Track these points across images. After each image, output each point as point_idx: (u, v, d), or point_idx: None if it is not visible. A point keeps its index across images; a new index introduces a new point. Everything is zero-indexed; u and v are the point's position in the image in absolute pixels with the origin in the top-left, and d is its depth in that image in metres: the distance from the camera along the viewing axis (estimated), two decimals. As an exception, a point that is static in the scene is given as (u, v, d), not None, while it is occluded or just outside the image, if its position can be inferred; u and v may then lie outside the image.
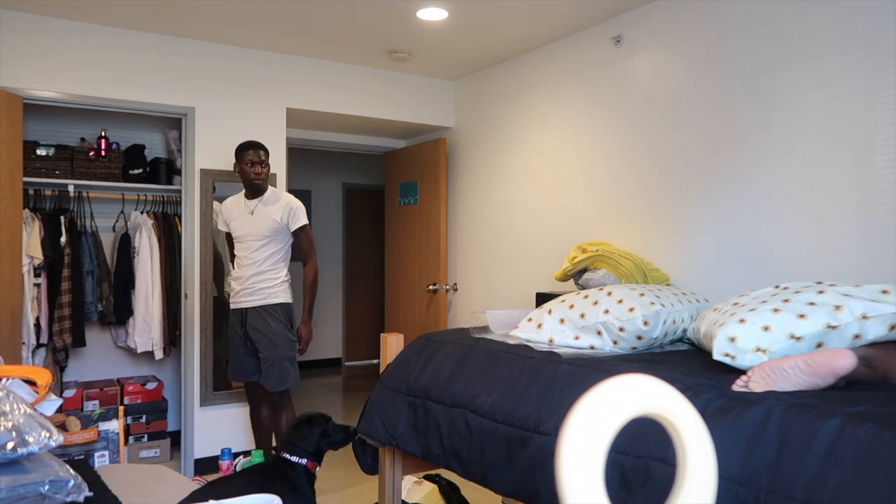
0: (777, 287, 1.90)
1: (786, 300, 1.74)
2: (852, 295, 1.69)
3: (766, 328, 1.67)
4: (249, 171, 3.41)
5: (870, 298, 1.66)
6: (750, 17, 2.90)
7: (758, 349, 1.66)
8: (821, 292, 1.72)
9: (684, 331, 2.23)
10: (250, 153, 3.42)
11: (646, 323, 2.05)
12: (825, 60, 2.62)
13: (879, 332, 1.64)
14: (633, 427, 1.47)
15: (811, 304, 1.69)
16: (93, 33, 3.75)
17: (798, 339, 1.64)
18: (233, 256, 3.61)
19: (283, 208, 3.43)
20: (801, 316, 1.66)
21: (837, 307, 1.65)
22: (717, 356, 1.72)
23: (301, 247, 3.50)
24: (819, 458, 1.22)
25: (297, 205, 3.48)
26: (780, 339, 1.65)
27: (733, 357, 1.69)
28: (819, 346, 1.65)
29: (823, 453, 1.22)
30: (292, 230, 3.45)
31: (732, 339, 1.70)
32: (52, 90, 3.65)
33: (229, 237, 3.69)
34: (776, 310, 1.70)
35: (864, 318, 1.63)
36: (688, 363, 1.91)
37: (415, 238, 5.13)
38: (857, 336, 1.64)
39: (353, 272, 7.96)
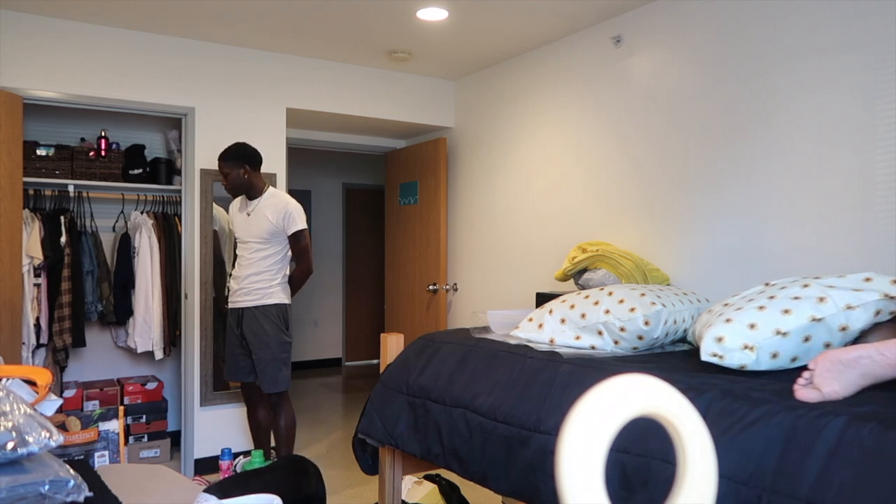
0: (766, 284, 1.91)
1: (771, 297, 1.74)
2: (835, 286, 1.69)
3: (751, 325, 1.68)
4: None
5: (853, 288, 1.66)
6: (749, 17, 2.90)
7: (745, 347, 1.67)
8: (805, 286, 1.73)
9: (685, 331, 2.23)
10: (218, 166, 3.43)
11: (647, 323, 2.05)
12: (825, 60, 2.62)
13: (866, 320, 1.65)
14: (635, 425, 1.47)
15: (796, 298, 1.70)
16: (93, 33, 3.75)
17: (784, 334, 1.65)
18: (235, 257, 3.61)
19: (278, 210, 3.41)
20: (786, 311, 1.67)
21: (821, 299, 1.66)
22: (704, 357, 1.72)
23: (293, 251, 3.46)
24: (823, 458, 1.22)
25: (295, 208, 3.43)
26: (766, 335, 1.66)
27: (721, 357, 1.69)
28: (806, 339, 1.65)
29: (827, 453, 1.22)
30: (287, 234, 3.43)
31: (719, 339, 1.70)
32: (52, 90, 3.65)
33: None
34: (761, 307, 1.71)
35: (849, 308, 1.63)
36: (689, 363, 1.91)
37: (415, 238, 5.13)
38: (843, 327, 1.64)
39: (353, 272, 7.96)
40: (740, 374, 1.70)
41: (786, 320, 1.65)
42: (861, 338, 1.71)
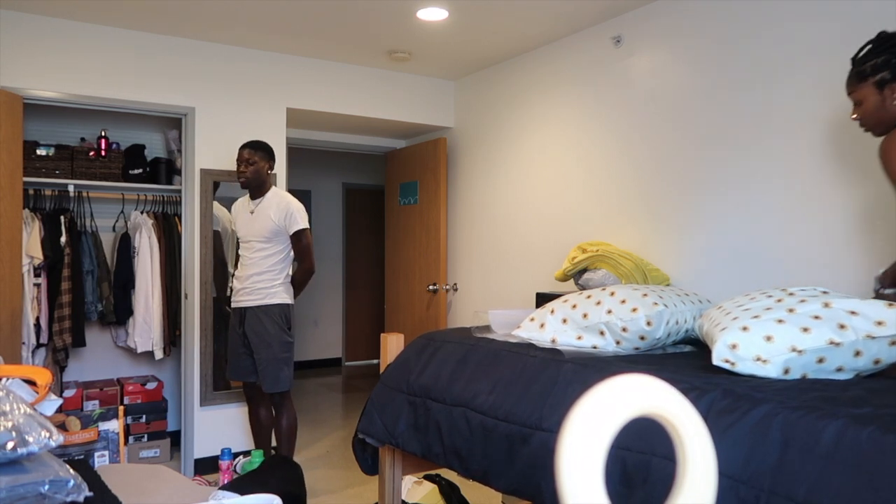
0: (784, 290, 1.88)
1: (791, 310, 1.71)
2: (858, 313, 1.66)
3: (768, 338, 1.66)
4: (237, 169, 3.46)
5: (875, 320, 1.64)
6: (749, 18, 2.90)
7: (758, 359, 1.65)
8: (826, 304, 1.70)
9: (687, 331, 2.23)
10: (241, 153, 3.46)
11: (649, 323, 2.05)
12: (825, 60, 2.62)
13: (882, 348, 1.63)
14: (637, 423, 1.47)
15: (816, 317, 1.67)
16: (93, 33, 3.75)
17: (800, 352, 1.63)
18: (238, 257, 3.61)
19: (281, 209, 3.41)
20: (805, 329, 1.64)
21: (842, 326, 1.64)
22: (716, 362, 1.71)
23: (295, 251, 3.47)
24: (821, 460, 1.22)
25: (297, 208, 3.44)
26: (781, 350, 1.64)
27: (733, 363, 1.69)
28: (820, 360, 1.64)
29: (826, 455, 1.22)
30: (289, 233, 3.43)
31: (733, 346, 1.69)
32: (52, 90, 3.65)
33: None
34: (780, 320, 1.68)
35: (869, 337, 1.62)
36: (691, 364, 1.91)
37: (415, 238, 5.12)
38: (858, 353, 1.63)
39: (353, 272, 7.96)
40: (745, 375, 1.69)
41: (803, 339, 1.63)
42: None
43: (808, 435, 1.27)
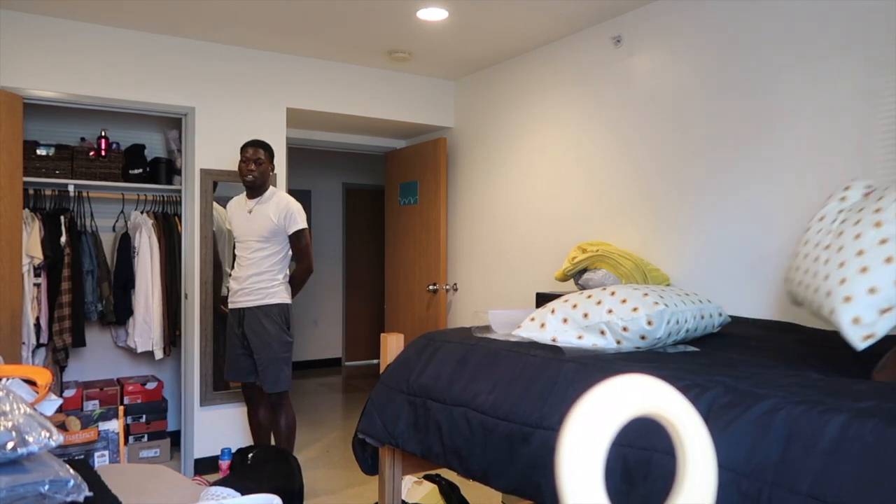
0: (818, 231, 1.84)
1: (860, 252, 1.63)
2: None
3: (871, 290, 1.59)
4: (242, 168, 3.45)
5: None
6: (750, 18, 2.90)
7: (883, 311, 1.58)
8: (857, 236, 1.64)
9: (687, 331, 2.22)
10: (247, 151, 3.45)
11: (650, 323, 2.05)
12: (825, 60, 2.62)
13: None
14: (638, 419, 1.47)
15: (883, 241, 1.60)
16: (93, 33, 3.75)
17: None
18: (234, 257, 3.60)
19: (280, 209, 3.41)
20: (888, 259, 1.58)
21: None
22: (861, 346, 1.61)
23: (294, 251, 3.47)
24: (825, 454, 1.22)
25: (296, 208, 3.44)
26: (893, 291, 1.57)
27: (871, 336, 1.60)
28: None
29: (829, 449, 1.22)
30: (288, 233, 3.44)
31: (856, 321, 1.60)
32: (52, 90, 3.65)
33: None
34: (864, 268, 1.61)
35: None
36: (693, 363, 1.91)
37: (415, 238, 5.12)
38: None
39: (353, 272, 7.96)
40: (745, 371, 1.69)
41: (893, 268, 1.58)
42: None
43: (811, 429, 1.27)
